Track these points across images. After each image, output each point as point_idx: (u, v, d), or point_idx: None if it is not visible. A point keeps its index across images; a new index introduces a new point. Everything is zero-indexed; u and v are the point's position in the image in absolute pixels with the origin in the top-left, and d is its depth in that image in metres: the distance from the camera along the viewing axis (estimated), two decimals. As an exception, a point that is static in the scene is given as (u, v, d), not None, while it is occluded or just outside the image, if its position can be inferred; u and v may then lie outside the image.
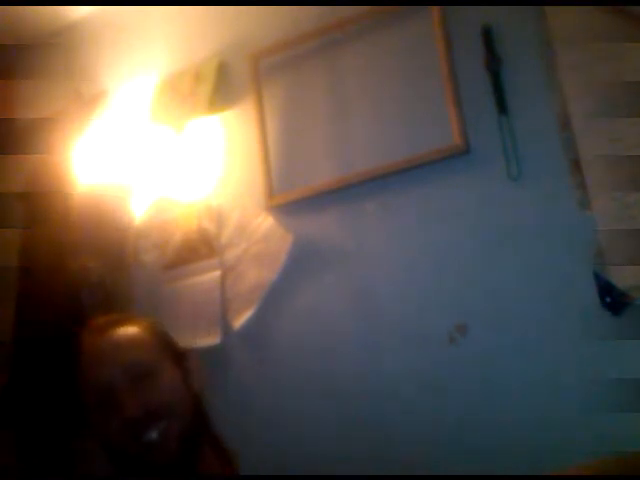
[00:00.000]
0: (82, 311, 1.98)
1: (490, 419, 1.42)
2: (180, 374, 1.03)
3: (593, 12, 1.45)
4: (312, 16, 1.81)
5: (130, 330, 1.04)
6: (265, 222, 1.79)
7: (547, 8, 1.50)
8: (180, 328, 1.73)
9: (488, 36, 1.56)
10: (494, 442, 1.40)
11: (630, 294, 1.33)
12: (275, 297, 1.73)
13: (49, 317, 2.03)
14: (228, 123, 1.92)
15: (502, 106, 1.52)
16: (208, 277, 1.84)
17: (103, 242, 2.04)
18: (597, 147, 1.40)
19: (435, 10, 1.62)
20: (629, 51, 1.41)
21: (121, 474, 0.98)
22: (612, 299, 1.34)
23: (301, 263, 1.72)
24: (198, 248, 1.88)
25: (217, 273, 1.83)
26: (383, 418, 1.54)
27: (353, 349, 1.62)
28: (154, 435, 0.94)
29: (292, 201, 1.75)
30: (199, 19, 2.04)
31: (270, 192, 1.79)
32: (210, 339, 1.77)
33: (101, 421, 0.97)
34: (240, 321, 1.76)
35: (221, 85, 1.94)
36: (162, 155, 1.99)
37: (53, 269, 2.08)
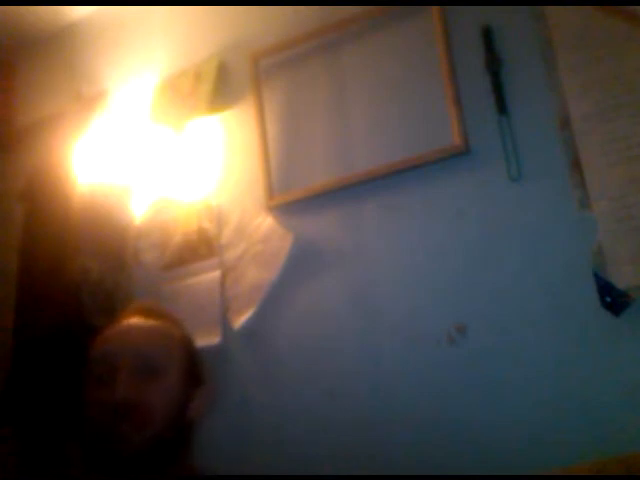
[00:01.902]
0: (82, 311, 1.98)
1: (490, 419, 1.42)
2: (182, 391, 1.00)
3: (593, 12, 1.45)
4: (312, 16, 1.81)
5: (162, 325, 1.03)
6: (265, 222, 1.79)
7: (547, 8, 1.50)
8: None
9: (488, 36, 1.56)
10: (494, 442, 1.40)
11: (630, 294, 1.33)
12: (275, 297, 1.73)
13: (49, 317, 2.03)
14: (228, 123, 1.92)
15: (502, 106, 1.52)
16: (208, 277, 1.84)
17: (103, 242, 2.04)
18: (597, 147, 1.40)
19: (435, 10, 1.62)
20: (629, 51, 1.41)
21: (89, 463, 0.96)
22: (612, 299, 1.34)
23: (301, 263, 1.72)
24: (198, 248, 1.88)
25: (217, 273, 1.83)
26: (383, 418, 1.54)
27: (353, 349, 1.62)
28: (125, 428, 0.92)
29: (292, 201, 1.76)
30: (199, 19, 2.04)
31: (270, 192, 1.79)
32: (210, 339, 1.77)
33: (93, 397, 0.95)
34: (240, 321, 1.76)
35: (221, 85, 1.94)
36: (162, 155, 1.99)
37: (53, 269, 2.08)
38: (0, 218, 2.31)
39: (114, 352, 0.97)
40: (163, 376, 0.98)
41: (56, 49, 2.35)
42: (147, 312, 1.05)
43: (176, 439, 0.98)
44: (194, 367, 1.05)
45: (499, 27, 1.56)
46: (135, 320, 1.03)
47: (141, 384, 0.95)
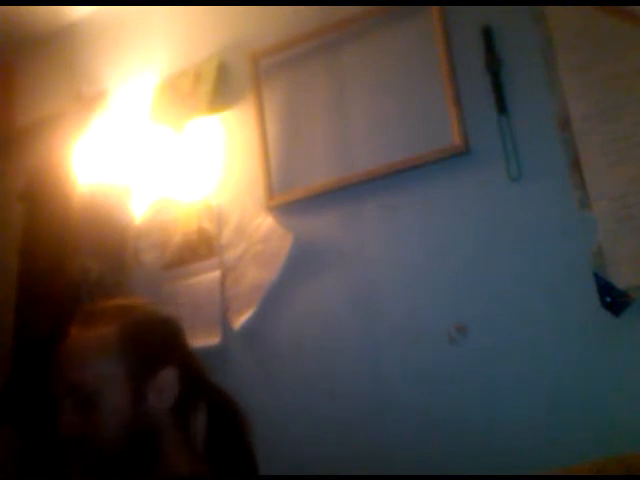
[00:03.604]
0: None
1: (490, 419, 1.42)
2: (133, 395, 0.96)
3: (593, 12, 1.45)
4: (312, 16, 1.81)
5: (89, 338, 0.98)
6: (265, 222, 1.79)
7: (547, 8, 1.50)
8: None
9: (488, 36, 1.56)
10: (494, 442, 1.40)
11: (630, 294, 1.33)
12: (275, 297, 1.73)
13: (49, 317, 2.03)
14: (228, 123, 1.92)
15: (502, 106, 1.52)
16: (208, 277, 1.84)
17: (103, 242, 2.04)
18: (597, 147, 1.40)
19: (435, 10, 1.62)
20: (629, 51, 1.41)
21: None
22: (612, 299, 1.34)
23: (301, 263, 1.72)
24: (198, 248, 1.88)
25: (217, 273, 1.83)
26: (383, 418, 1.54)
27: (353, 349, 1.62)
28: (79, 456, 0.93)
29: (292, 201, 1.76)
30: (199, 19, 2.04)
31: (270, 192, 1.79)
32: (210, 339, 1.77)
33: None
34: (240, 321, 1.76)
35: (221, 85, 1.94)
36: (162, 155, 1.99)
37: (53, 269, 2.08)
38: (0, 218, 2.31)
39: (54, 386, 0.97)
40: (103, 399, 0.94)
41: (56, 49, 2.35)
42: (84, 320, 1.01)
43: (142, 438, 0.96)
44: (144, 356, 0.99)
45: (499, 27, 1.56)
46: (71, 337, 0.99)
47: (81, 416, 0.94)
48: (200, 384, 1.06)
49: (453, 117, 1.56)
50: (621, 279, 1.34)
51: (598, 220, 1.39)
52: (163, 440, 0.98)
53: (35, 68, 2.41)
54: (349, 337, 1.63)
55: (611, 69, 1.41)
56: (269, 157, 1.81)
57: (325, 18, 1.78)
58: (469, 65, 1.58)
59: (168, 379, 0.99)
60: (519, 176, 1.49)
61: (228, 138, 1.92)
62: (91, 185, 2.10)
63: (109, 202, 2.05)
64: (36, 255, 2.14)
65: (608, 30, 1.43)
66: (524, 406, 1.40)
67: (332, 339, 1.65)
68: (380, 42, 1.72)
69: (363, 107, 1.72)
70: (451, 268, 1.53)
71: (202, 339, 1.77)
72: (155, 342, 1.02)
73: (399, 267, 1.60)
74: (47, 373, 1.00)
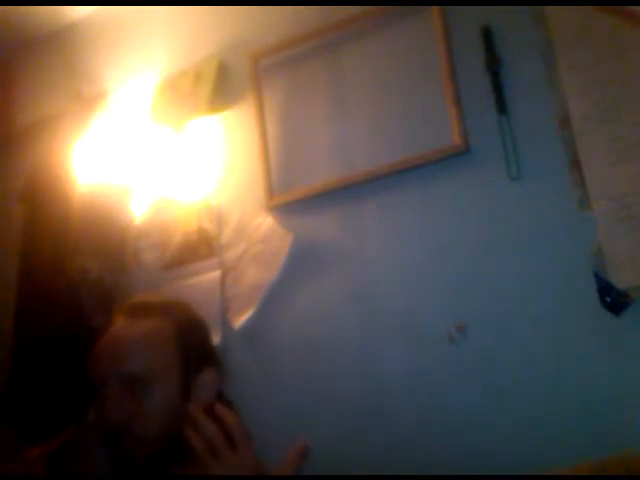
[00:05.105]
0: (82, 311, 1.98)
1: (490, 418, 1.42)
2: (181, 389, 0.98)
3: (593, 12, 1.45)
4: (312, 16, 1.81)
5: (146, 328, 1.00)
6: (265, 222, 1.79)
7: (547, 8, 1.50)
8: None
9: (488, 36, 1.56)
10: (494, 442, 1.40)
11: (630, 294, 1.33)
12: (275, 297, 1.73)
13: (49, 317, 2.03)
14: (228, 123, 1.92)
15: (502, 106, 1.52)
16: (208, 277, 1.84)
17: (103, 242, 2.04)
18: (597, 147, 1.40)
19: (435, 10, 1.62)
20: (629, 51, 1.41)
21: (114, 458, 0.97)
22: (612, 299, 1.34)
23: (301, 263, 1.72)
24: (198, 248, 1.88)
25: (217, 273, 1.83)
26: (383, 418, 1.54)
27: (353, 349, 1.62)
28: (126, 445, 0.93)
29: (292, 201, 1.76)
30: (199, 19, 2.04)
31: (270, 192, 1.79)
32: (210, 339, 1.77)
33: (96, 412, 0.97)
34: (240, 321, 1.76)
35: (221, 85, 1.94)
36: (162, 155, 1.99)
37: (53, 269, 2.08)
38: (0, 218, 2.31)
39: (100, 375, 0.97)
40: (155, 387, 0.96)
41: (56, 49, 2.35)
42: (135, 311, 1.03)
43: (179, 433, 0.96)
44: (193, 354, 1.02)
45: (499, 27, 1.56)
46: (121, 326, 1.01)
47: (131, 404, 0.94)
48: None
49: (453, 117, 1.56)
50: (621, 279, 1.34)
51: (598, 220, 1.39)
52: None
53: (35, 68, 2.41)
54: (349, 337, 1.63)
55: (611, 69, 1.42)
56: (269, 157, 1.81)
57: (325, 18, 1.78)
58: (469, 65, 1.58)
59: (210, 378, 1.02)
60: (519, 176, 1.49)
61: (228, 138, 1.92)
62: (91, 185, 2.10)
63: (109, 202, 2.05)
64: (36, 256, 2.14)
65: (608, 30, 1.43)
66: (524, 406, 1.40)
67: (332, 339, 1.65)
68: (380, 42, 1.72)
69: (363, 107, 1.72)
70: (451, 268, 1.53)
71: (202, 339, 1.76)
72: (202, 341, 1.07)
73: (399, 267, 1.60)
74: (47, 373, 1.00)
